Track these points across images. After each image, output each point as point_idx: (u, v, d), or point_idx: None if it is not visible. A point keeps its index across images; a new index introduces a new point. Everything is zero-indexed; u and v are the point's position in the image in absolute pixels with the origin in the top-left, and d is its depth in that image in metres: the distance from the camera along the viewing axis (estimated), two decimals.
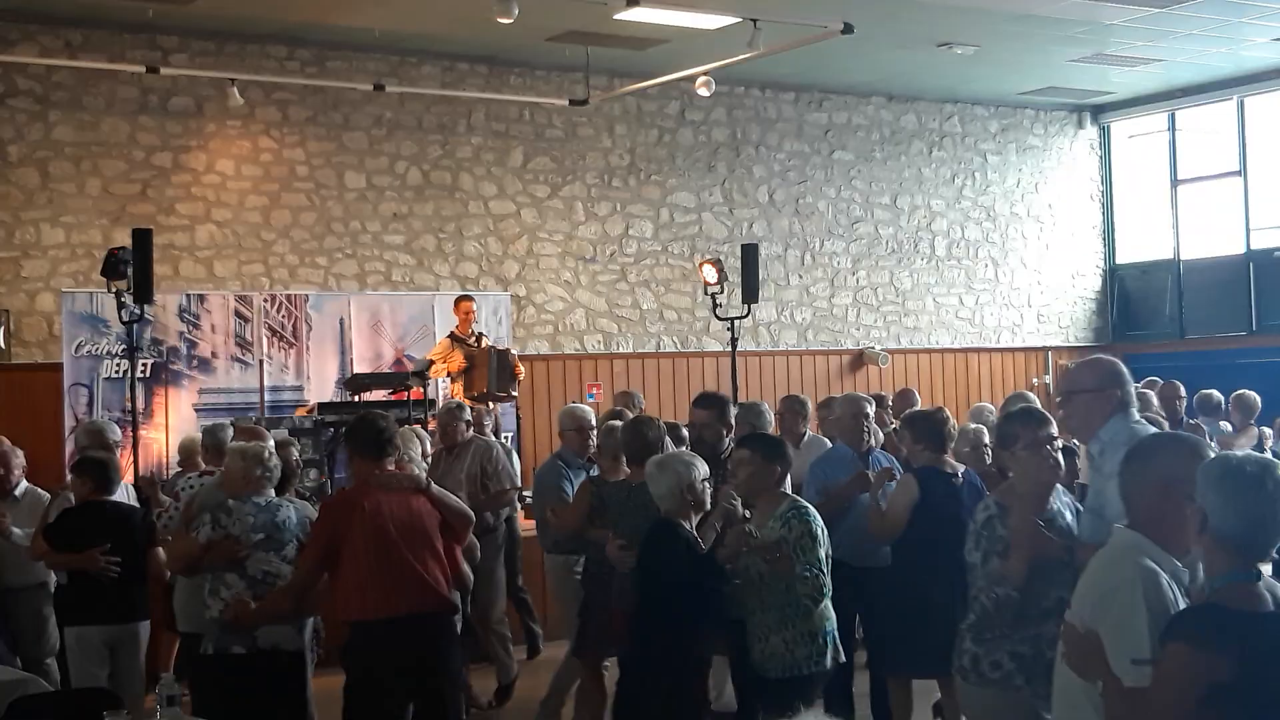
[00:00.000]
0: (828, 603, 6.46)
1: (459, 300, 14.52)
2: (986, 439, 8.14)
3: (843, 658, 6.64)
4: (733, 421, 8.45)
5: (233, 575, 6.85)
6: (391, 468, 6.87)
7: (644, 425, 7.72)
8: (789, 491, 6.83)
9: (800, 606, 6.35)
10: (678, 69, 15.32)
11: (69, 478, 8.85)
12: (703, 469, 6.72)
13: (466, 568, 6.95)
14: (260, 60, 15.32)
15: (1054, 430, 6.03)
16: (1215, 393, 12.68)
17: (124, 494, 8.71)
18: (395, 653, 6.47)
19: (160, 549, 8.06)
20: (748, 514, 6.74)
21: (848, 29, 13.54)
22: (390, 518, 6.53)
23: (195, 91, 15.02)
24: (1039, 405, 7.17)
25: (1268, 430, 12.14)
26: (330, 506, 6.91)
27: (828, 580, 6.44)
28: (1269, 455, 4.15)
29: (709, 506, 6.74)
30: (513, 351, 14.46)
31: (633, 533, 7.11)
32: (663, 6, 13.68)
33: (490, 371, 13.71)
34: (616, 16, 13.89)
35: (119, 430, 9.44)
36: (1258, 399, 12.44)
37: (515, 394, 14.56)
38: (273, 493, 7.13)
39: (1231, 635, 3.53)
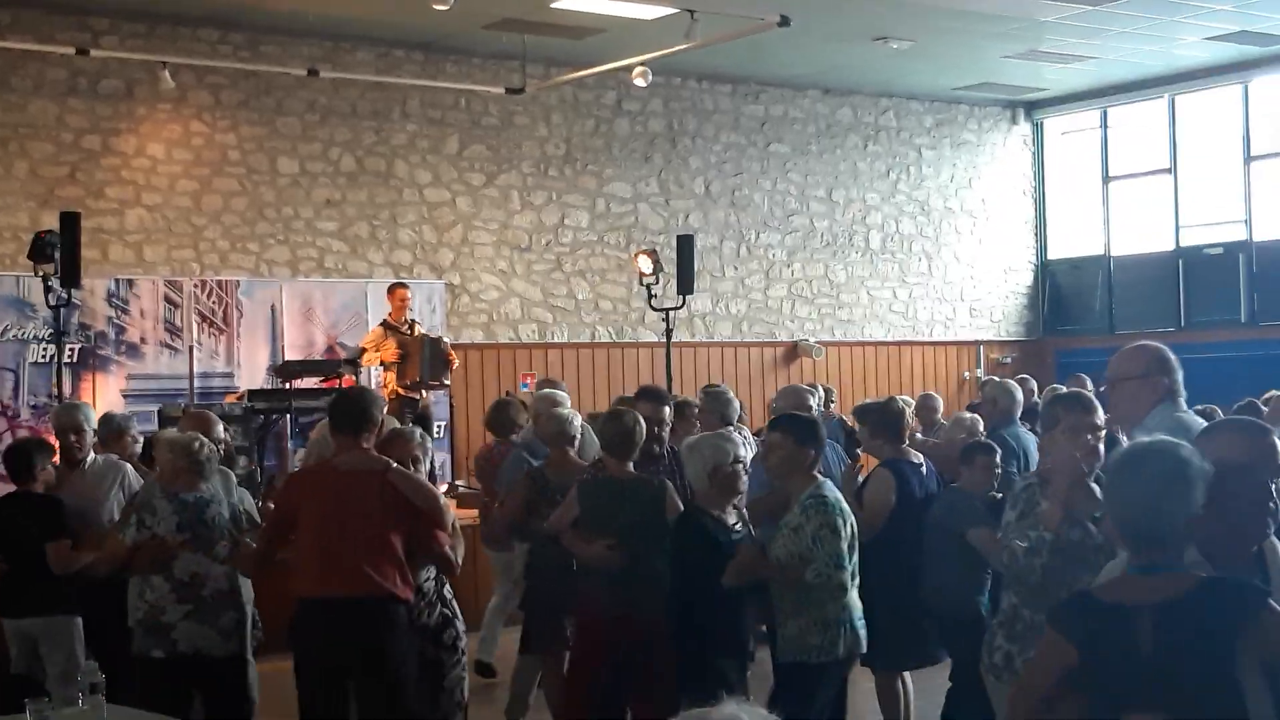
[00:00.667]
0: (849, 594, 6.29)
1: (393, 288, 14.43)
2: (981, 427, 8.36)
3: (862, 648, 6.44)
4: (670, 416, 8.22)
5: (158, 578, 6.61)
6: (368, 446, 6.46)
7: (624, 416, 7.17)
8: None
9: (816, 596, 6.21)
10: (615, 59, 15.29)
11: None
12: (738, 450, 6.51)
13: (450, 552, 6.50)
14: (192, 43, 15.15)
15: (1099, 419, 5.97)
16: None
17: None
18: (328, 635, 6.27)
19: (59, 544, 7.70)
20: (752, 529, 6.62)
21: (784, 21, 13.57)
22: (336, 497, 6.32)
23: (126, 74, 14.83)
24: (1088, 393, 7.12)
25: None
26: (291, 478, 6.88)
27: (847, 574, 6.26)
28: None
29: (742, 490, 6.56)
30: (445, 340, 14.39)
31: (634, 530, 6.79)
32: None
33: (423, 360, 13.65)
34: (554, 5, 13.87)
35: (91, 413, 8.79)
36: None
37: (448, 383, 14.51)
38: (206, 487, 6.80)
39: (1080, 624, 3.62)
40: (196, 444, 6.77)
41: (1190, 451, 3.65)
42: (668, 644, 6.50)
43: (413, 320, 14.35)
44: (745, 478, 6.53)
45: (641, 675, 6.67)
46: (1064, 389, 7.02)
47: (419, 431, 7.09)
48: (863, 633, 6.37)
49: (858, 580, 6.36)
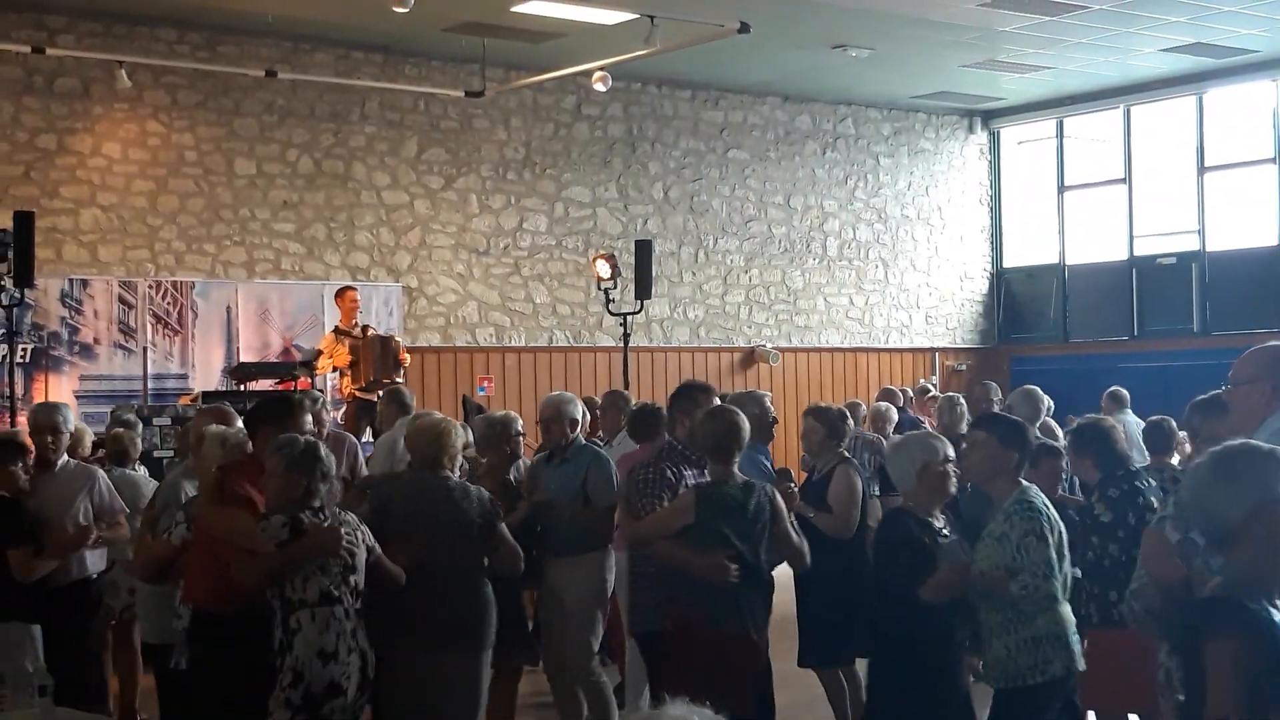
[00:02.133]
0: (1060, 606, 5.78)
1: (342, 291, 14.39)
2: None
3: (1080, 665, 5.89)
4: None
5: None
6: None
7: (724, 414, 6.47)
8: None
9: (1024, 611, 5.70)
10: (575, 63, 15.30)
11: None
12: (947, 449, 6.05)
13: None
14: (150, 43, 15.06)
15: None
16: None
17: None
18: None
19: (21, 550, 7.28)
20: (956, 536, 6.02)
21: (744, 28, 13.62)
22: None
23: (82, 73, 14.73)
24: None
25: None
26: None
27: (1057, 583, 5.74)
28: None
29: (953, 491, 6.08)
30: (397, 339, 14.35)
31: (749, 539, 6.25)
32: (560, 0, 13.65)
33: (374, 360, 13.60)
34: (514, 9, 13.86)
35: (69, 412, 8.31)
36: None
37: (400, 380, 14.43)
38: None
39: None
40: (249, 441, 6.39)
41: None
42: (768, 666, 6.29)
43: (365, 325, 14.30)
44: (955, 478, 6.06)
45: (749, 698, 6.19)
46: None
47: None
48: (1078, 648, 5.86)
49: (1068, 591, 5.92)
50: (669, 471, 6.68)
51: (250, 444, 6.34)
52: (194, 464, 6.90)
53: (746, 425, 6.39)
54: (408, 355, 14.25)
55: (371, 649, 5.80)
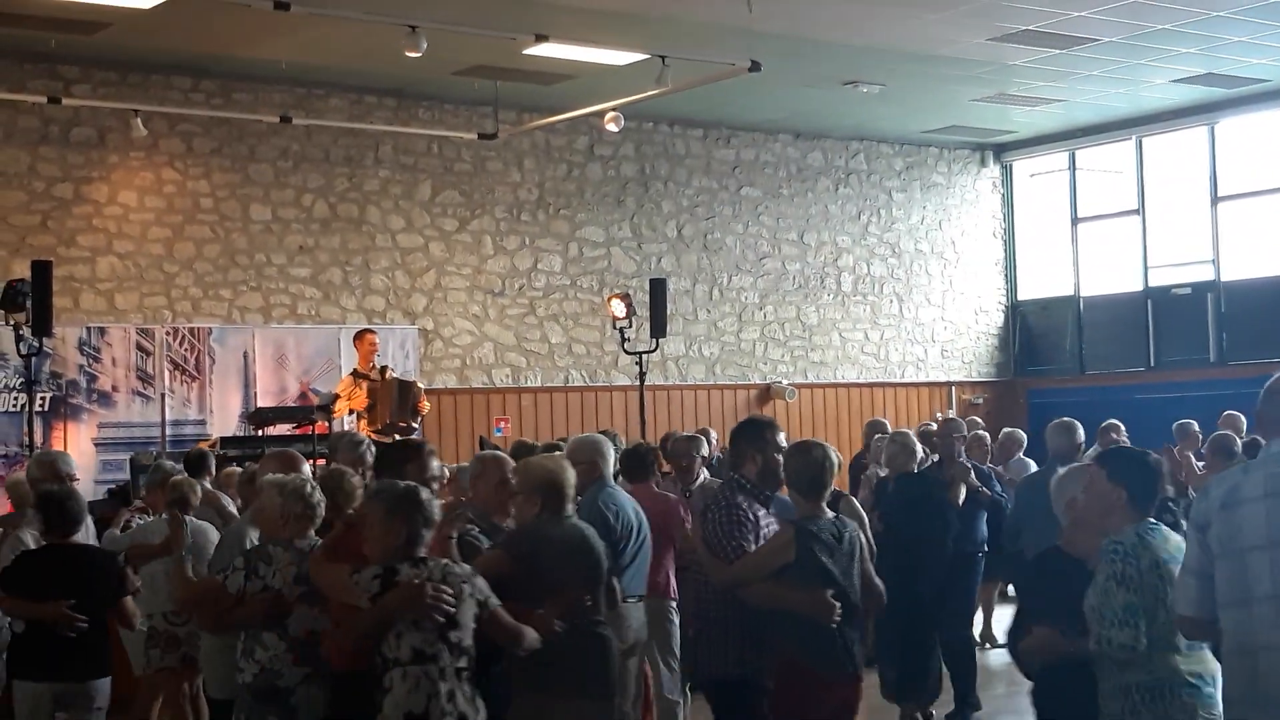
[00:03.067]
0: (1162, 657, 5.07)
1: (360, 334, 14.40)
2: None
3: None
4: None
5: (271, 635, 5.83)
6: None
7: (813, 450, 6.25)
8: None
9: (1118, 666, 5.11)
10: (586, 104, 15.36)
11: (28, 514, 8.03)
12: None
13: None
14: (164, 91, 15.16)
15: None
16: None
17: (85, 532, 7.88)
18: None
19: (130, 599, 7.24)
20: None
21: (755, 67, 13.66)
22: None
23: (98, 122, 14.83)
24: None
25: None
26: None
27: (1141, 631, 5.02)
28: None
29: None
30: (419, 385, 14.35)
31: (847, 577, 6.09)
32: (571, 43, 13.72)
33: (392, 403, 13.60)
34: (525, 52, 13.91)
35: (73, 461, 8.33)
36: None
37: (416, 426, 14.42)
38: (314, 535, 6.09)
39: None
40: (309, 487, 6.16)
41: None
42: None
43: (383, 366, 14.32)
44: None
45: None
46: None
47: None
48: (1206, 700, 5.13)
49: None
50: (742, 510, 6.39)
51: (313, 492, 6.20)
52: (255, 512, 6.68)
53: (836, 462, 6.22)
54: (427, 404, 14.21)
55: (486, 706, 5.40)
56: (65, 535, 7.16)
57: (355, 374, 14.01)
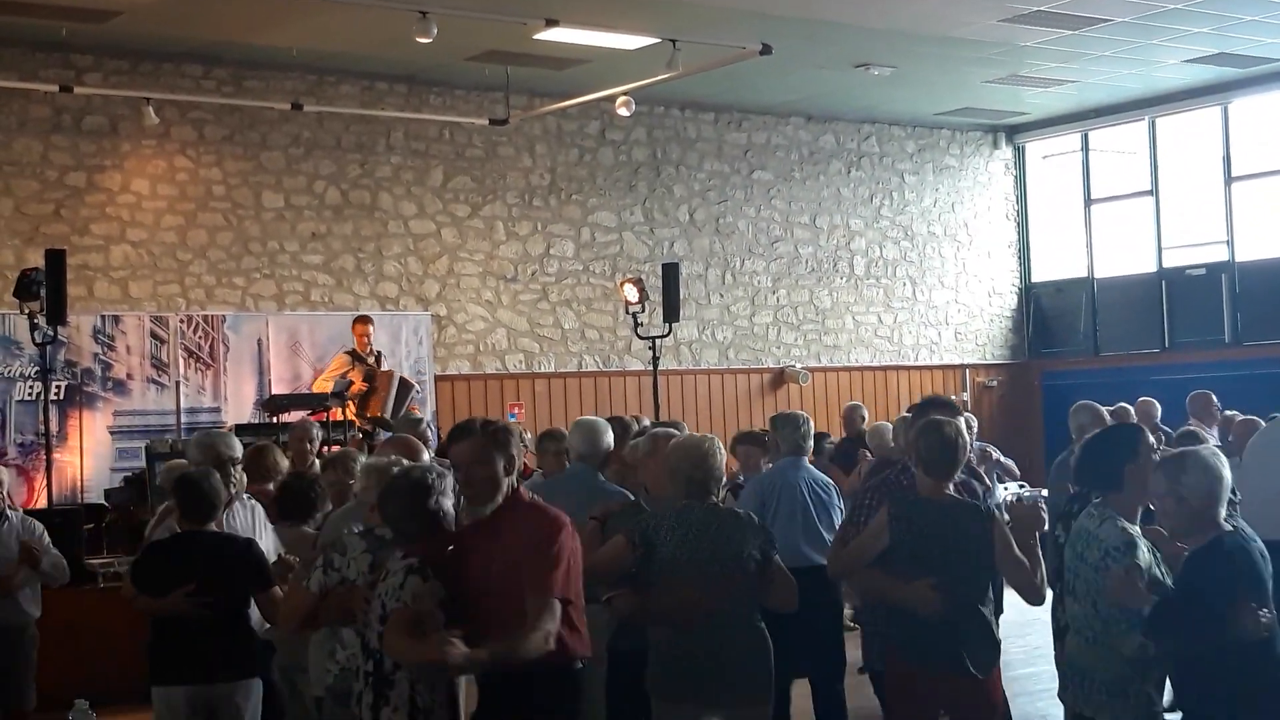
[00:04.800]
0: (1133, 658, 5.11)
1: (358, 320, 14.45)
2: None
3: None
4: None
5: (350, 632, 5.35)
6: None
7: (945, 427, 5.84)
8: None
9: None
10: (598, 89, 15.35)
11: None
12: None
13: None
14: (176, 79, 15.18)
15: None
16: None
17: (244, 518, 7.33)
18: None
19: (275, 591, 6.51)
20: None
21: (766, 50, 13.64)
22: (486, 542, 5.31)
23: (110, 111, 14.85)
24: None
25: None
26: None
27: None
28: None
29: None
30: (416, 389, 14.39)
31: (949, 564, 5.63)
32: (582, 27, 13.71)
33: (389, 398, 13.62)
34: (536, 37, 13.91)
35: (236, 443, 7.74)
36: None
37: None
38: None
39: None
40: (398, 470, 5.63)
41: None
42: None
43: (378, 352, 14.35)
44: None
45: None
46: None
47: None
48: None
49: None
50: (874, 496, 6.18)
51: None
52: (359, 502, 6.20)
53: (966, 441, 5.87)
54: (417, 410, 14.29)
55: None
56: (200, 522, 6.60)
57: (353, 354, 14.07)
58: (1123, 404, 12.46)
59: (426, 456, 6.36)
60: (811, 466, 8.13)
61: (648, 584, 5.62)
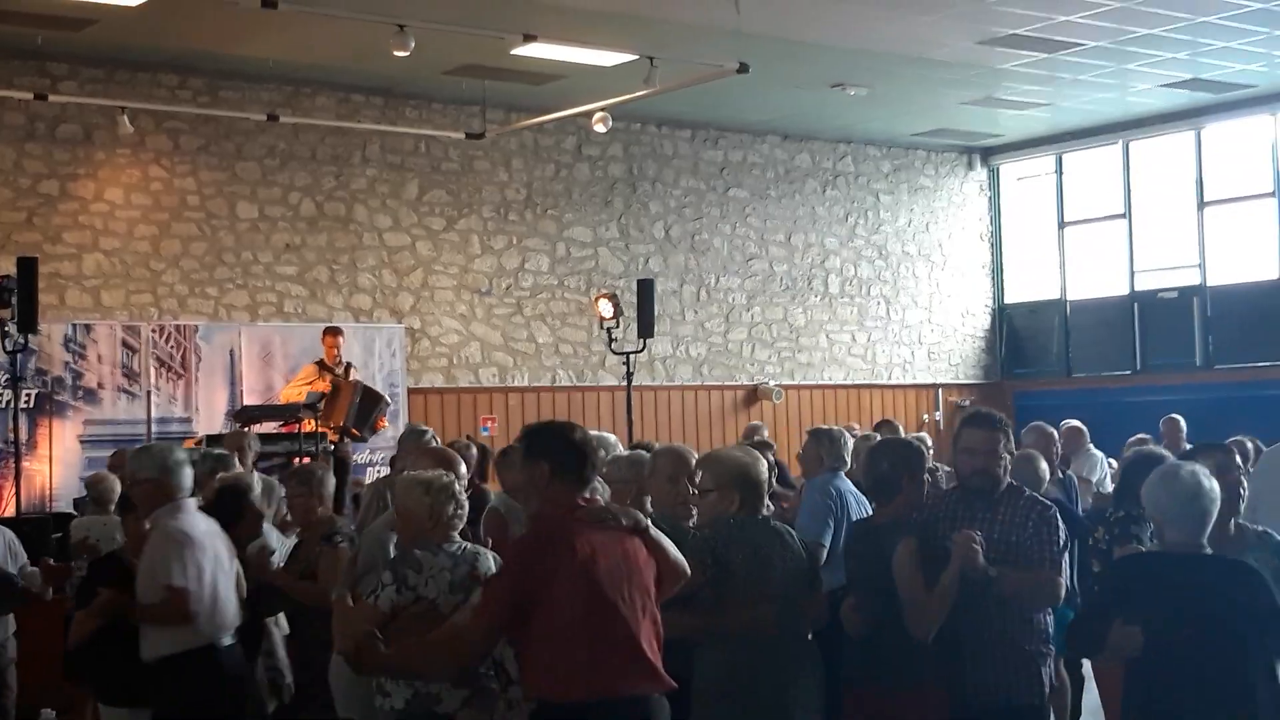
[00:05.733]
0: None
1: (328, 331, 14.41)
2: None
3: None
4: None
5: None
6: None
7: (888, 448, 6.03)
8: None
9: None
10: (575, 104, 15.36)
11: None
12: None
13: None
14: (151, 88, 15.13)
15: None
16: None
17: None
18: None
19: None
20: None
21: (743, 68, 13.67)
22: (606, 567, 4.67)
23: (84, 119, 14.80)
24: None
25: None
26: (528, 545, 4.87)
27: None
28: None
29: None
30: (386, 401, 14.32)
31: (865, 587, 5.67)
32: (560, 43, 13.72)
33: (351, 406, 13.57)
34: (513, 52, 13.90)
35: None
36: None
37: (367, 438, 14.29)
38: (459, 538, 5.46)
39: None
40: (458, 486, 5.53)
41: None
42: None
43: (348, 363, 14.32)
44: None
45: None
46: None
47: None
48: None
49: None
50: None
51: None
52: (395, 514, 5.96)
53: (920, 461, 5.88)
54: (386, 425, 14.25)
55: None
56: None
57: (320, 365, 14.04)
58: (1074, 422, 12.45)
59: (462, 468, 6.22)
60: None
61: (716, 603, 5.49)
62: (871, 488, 5.91)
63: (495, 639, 4.77)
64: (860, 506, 7.67)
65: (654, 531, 4.88)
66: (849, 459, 8.03)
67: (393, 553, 5.71)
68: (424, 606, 5.13)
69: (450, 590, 5.17)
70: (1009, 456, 5.77)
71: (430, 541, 5.33)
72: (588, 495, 4.85)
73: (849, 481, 7.88)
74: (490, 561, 5.34)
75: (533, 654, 4.65)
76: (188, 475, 6.34)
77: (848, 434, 8.31)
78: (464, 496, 5.50)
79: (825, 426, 8.75)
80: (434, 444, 7.61)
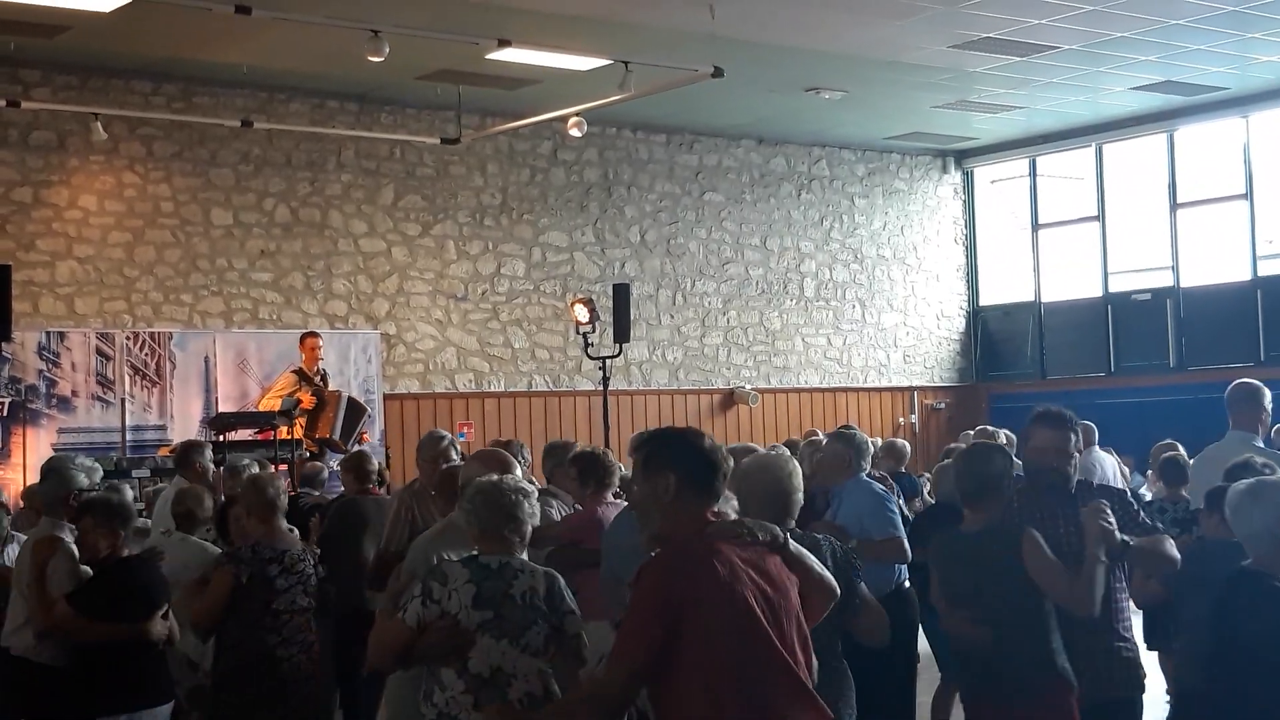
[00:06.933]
0: None
1: (305, 336, 14.40)
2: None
3: None
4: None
5: (449, 672, 4.85)
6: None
7: (992, 452, 5.80)
8: None
9: None
10: (550, 109, 15.35)
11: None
12: None
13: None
14: (125, 95, 15.08)
15: None
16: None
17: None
18: None
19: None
20: None
21: (718, 72, 13.68)
22: (755, 590, 4.09)
23: (58, 126, 14.74)
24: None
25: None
26: (664, 569, 4.12)
27: None
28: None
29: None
30: (369, 414, 14.33)
31: (995, 595, 5.45)
32: (534, 48, 13.71)
33: (338, 418, 13.55)
34: (488, 56, 13.90)
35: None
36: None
37: (348, 450, 14.25)
38: (523, 554, 5.08)
39: None
40: (515, 493, 5.10)
41: None
42: None
43: (324, 371, 14.29)
44: None
45: None
46: None
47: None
48: None
49: None
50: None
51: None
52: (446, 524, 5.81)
53: (1001, 468, 5.67)
54: (369, 437, 14.24)
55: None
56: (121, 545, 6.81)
57: (299, 374, 14.00)
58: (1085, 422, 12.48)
59: (519, 470, 5.91)
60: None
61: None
62: (972, 493, 5.63)
63: (637, 686, 4.12)
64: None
65: (794, 546, 4.39)
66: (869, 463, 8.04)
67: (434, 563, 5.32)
68: (448, 622, 4.83)
69: (475, 605, 4.83)
70: (1078, 455, 5.80)
71: (480, 549, 5.02)
72: (715, 510, 4.27)
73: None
74: (536, 580, 4.95)
75: (677, 696, 4.01)
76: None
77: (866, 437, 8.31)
78: (529, 508, 5.08)
79: (849, 429, 8.76)
80: (453, 450, 7.57)
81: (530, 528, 5.08)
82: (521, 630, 4.85)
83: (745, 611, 4.01)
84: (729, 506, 4.68)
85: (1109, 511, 5.41)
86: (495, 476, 5.26)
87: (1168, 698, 7.64)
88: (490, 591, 4.85)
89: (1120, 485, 11.42)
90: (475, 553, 5.01)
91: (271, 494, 6.87)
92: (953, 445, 11.10)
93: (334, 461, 14.03)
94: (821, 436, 12.75)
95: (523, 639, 4.84)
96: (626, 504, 7.04)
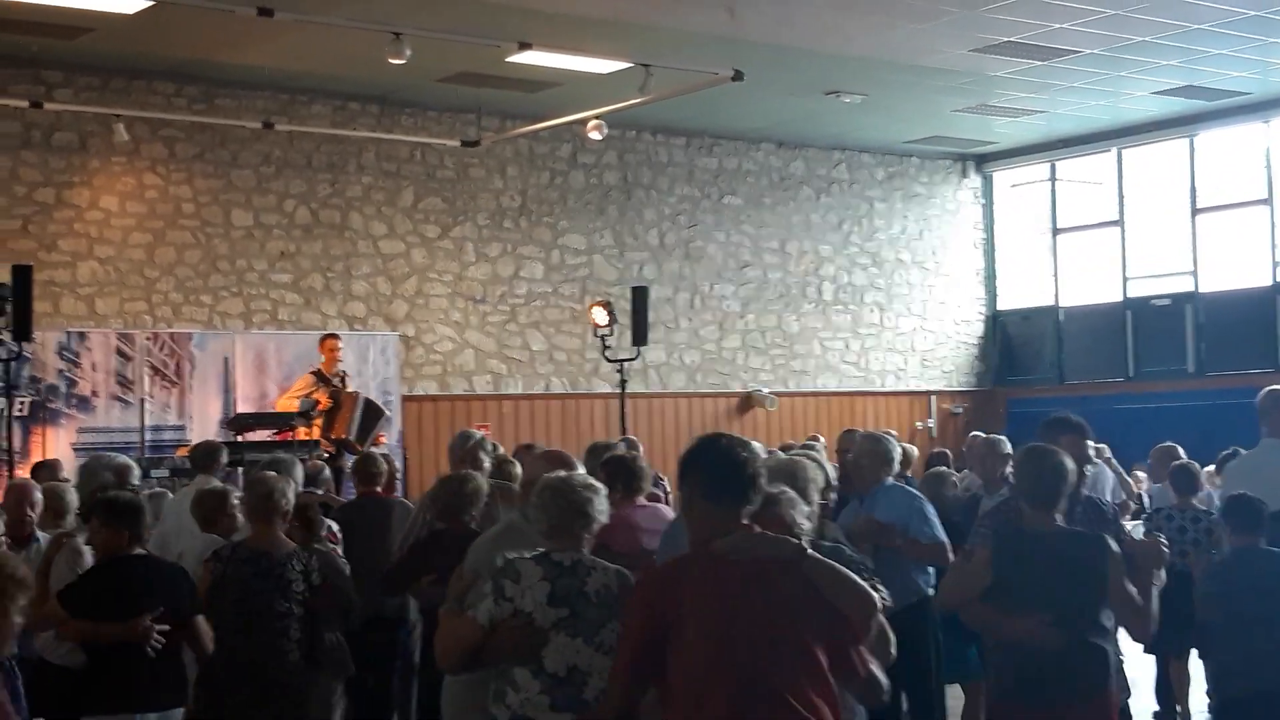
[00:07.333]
0: None
1: (325, 338, 14.41)
2: None
3: None
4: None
5: (524, 672, 4.77)
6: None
7: (1054, 455, 5.60)
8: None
9: None
10: (569, 112, 15.37)
11: (76, 523, 7.58)
12: None
13: (879, 673, 4.41)
14: (147, 96, 15.14)
15: None
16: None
17: None
18: None
19: (202, 617, 6.55)
20: None
21: (738, 76, 13.69)
22: (734, 601, 4.12)
23: (80, 127, 14.80)
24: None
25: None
26: (647, 581, 4.46)
27: None
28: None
29: None
30: (386, 415, 14.32)
31: (1061, 596, 5.33)
32: (554, 51, 13.74)
33: (354, 419, 13.56)
34: (509, 59, 13.93)
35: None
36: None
37: (361, 449, 14.27)
38: (585, 551, 5.00)
39: None
40: (586, 489, 5.04)
41: None
42: None
43: (343, 373, 14.31)
44: None
45: None
46: None
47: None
48: None
49: None
50: (987, 525, 6.00)
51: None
52: (521, 519, 5.65)
53: (1073, 468, 5.55)
54: (385, 439, 14.25)
55: None
56: (131, 545, 6.60)
57: (318, 375, 14.01)
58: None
59: (581, 468, 5.83)
60: None
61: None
62: (1043, 495, 5.46)
63: (635, 684, 4.19)
64: None
65: (815, 559, 4.23)
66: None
67: (501, 562, 5.12)
68: (521, 620, 4.75)
69: (550, 603, 4.75)
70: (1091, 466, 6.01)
71: (549, 548, 4.94)
72: (746, 520, 4.17)
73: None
74: (609, 578, 4.87)
75: (665, 701, 4.14)
76: None
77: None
78: (598, 506, 5.01)
79: (876, 432, 8.75)
80: (483, 449, 7.56)
81: (599, 525, 5.02)
82: (596, 628, 4.76)
83: (722, 631, 4.05)
84: (797, 513, 4.59)
85: (1165, 548, 5.72)
86: (563, 473, 5.22)
87: (1179, 706, 7.90)
88: (564, 589, 4.78)
89: (1121, 499, 11.37)
90: (544, 550, 4.92)
91: (265, 495, 6.78)
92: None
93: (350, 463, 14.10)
94: (822, 441, 12.84)
95: (597, 637, 4.75)
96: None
